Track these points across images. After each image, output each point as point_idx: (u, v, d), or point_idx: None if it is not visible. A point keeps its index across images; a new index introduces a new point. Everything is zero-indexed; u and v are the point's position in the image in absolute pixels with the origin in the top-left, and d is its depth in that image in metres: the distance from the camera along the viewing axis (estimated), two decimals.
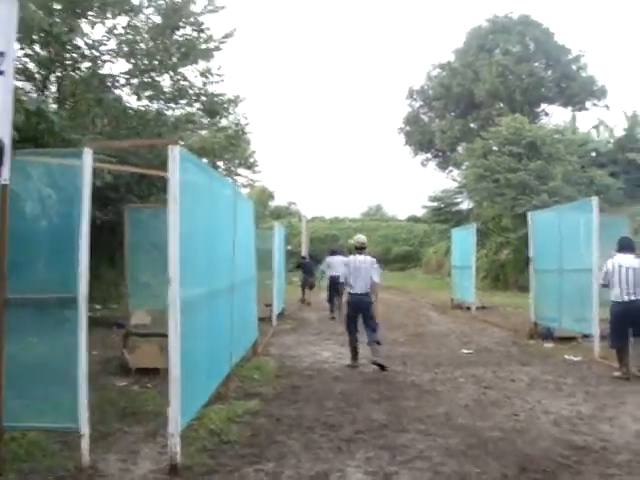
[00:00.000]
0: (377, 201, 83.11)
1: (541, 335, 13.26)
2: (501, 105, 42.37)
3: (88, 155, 5.47)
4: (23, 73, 15.57)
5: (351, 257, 10.70)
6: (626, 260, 9.30)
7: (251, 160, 49.26)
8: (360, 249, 10.60)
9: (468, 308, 19.41)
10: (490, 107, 42.72)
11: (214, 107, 19.12)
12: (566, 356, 11.12)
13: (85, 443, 5.44)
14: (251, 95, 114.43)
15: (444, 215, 38.37)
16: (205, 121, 19.34)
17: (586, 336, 11.84)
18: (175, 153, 5.35)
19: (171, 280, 5.30)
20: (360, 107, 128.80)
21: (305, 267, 23.01)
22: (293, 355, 11.73)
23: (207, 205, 6.66)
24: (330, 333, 14.86)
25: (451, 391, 8.50)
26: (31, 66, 16.02)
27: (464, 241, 20.50)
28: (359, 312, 10.38)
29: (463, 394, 8.27)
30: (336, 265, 17.35)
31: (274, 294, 16.31)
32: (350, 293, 10.41)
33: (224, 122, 19.68)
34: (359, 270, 10.29)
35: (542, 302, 13.49)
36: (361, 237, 10.96)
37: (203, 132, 19.12)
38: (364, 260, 10.41)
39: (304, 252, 39.46)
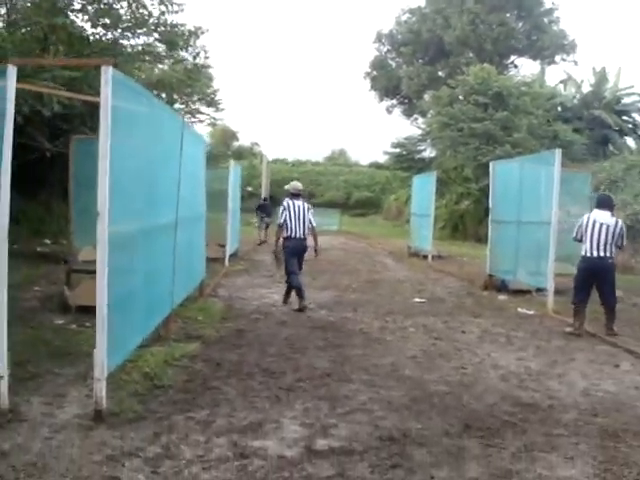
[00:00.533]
0: (341, 146, 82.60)
1: (495, 287, 13.13)
2: (470, 55, 41.72)
3: (12, 73, 4.92)
4: None
5: (289, 202, 10.60)
6: (602, 217, 9.04)
7: (213, 97, 48.54)
8: (296, 195, 10.67)
9: (425, 257, 19.28)
10: (459, 56, 42.07)
11: (173, 38, 18.29)
12: (519, 309, 10.99)
13: (4, 385, 5.03)
14: (215, 29, 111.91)
15: (406, 162, 38.09)
16: (163, 53, 18.52)
17: (540, 290, 11.76)
18: (108, 75, 4.82)
19: (99, 214, 4.85)
20: (327, 49, 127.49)
21: (264, 208, 24.22)
22: (242, 297, 11.42)
23: (146, 135, 6.14)
24: (281, 276, 14.48)
25: (400, 341, 8.26)
26: None
27: (424, 189, 20.25)
28: (298, 255, 10.62)
29: (412, 344, 8.05)
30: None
31: (227, 234, 15.90)
32: (290, 237, 10.49)
33: (184, 55, 18.85)
34: (298, 215, 10.45)
35: (498, 254, 13.31)
36: (297, 184, 11.02)
37: (160, 66, 18.34)
38: (302, 205, 10.55)
39: (264, 194, 39.20)
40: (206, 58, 17.84)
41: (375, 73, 51.20)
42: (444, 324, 9.45)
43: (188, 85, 18.00)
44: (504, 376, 6.65)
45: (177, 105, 21.27)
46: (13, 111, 4.91)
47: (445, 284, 14.23)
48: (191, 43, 18.92)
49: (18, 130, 5.30)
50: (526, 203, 12.25)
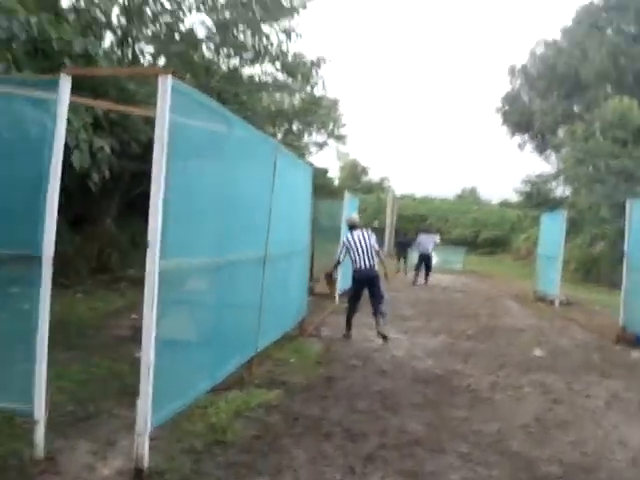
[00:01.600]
0: (472, 183, 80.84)
1: (630, 342, 11.57)
2: (609, 89, 39.22)
3: (66, 85, 4.44)
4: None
5: (348, 235, 10.67)
6: None
7: (340, 131, 48.69)
8: (353, 227, 10.73)
9: (551, 302, 17.71)
10: (597, 89, 39.69)
11: (293, 68, 18.06)
12: None
13: (39, 431, 4.48)
14: (350, 68, 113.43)
15: (537, 200, 36.07)
16: (284, 81, 18.31)
17: None
18: (166, 86, 4.24)
19: (150, 245, 4.23)
20: (459, 83, 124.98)
21: (402, 244, 27.46)
22: (338, 338, 10.61)
23: (222, 158, 5.52)
24: (394, 316, 13.63)
25: (511, 402, 7.14)
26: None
27: (553, 229, 18.69)
28: (365, 286, 10.57)
29: (525, 408, 6.91)
30: (424, 242, 22.64)
31: (338, 270, 15.10)
32: (356, 270, 10.47)
33: (303, 85, 18.57)
34: (359, 246, 10.38)
35: (634, 304, 11.76)
36: (353, 216, 11.33)
37: (279, 95, 18.14)
38: (360, 234, 10.51)
39: (388, 226, 38.52)
40: (323, 89, 17.40)
41: (507, 108, 49.32)
42: (565, 384, 8.17)
43: (306, 114, 17.61)
44: (635, 460, 5.41)
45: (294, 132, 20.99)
46: (64, 131, 4.40)
47: (571, 335, 12.76)
48: (313, 74, 18.59)
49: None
50: None
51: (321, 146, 48.99)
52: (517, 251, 46.84)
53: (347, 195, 15.60)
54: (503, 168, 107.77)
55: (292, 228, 8.77)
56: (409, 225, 48.62)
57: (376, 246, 10.55)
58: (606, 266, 28.79)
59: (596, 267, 29.62)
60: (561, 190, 36.34)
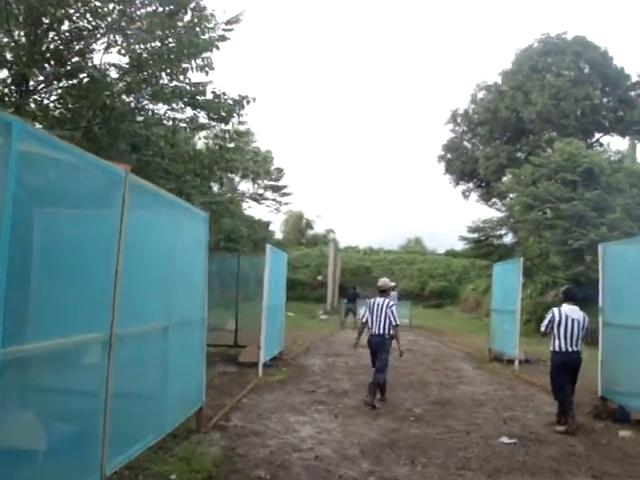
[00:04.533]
0: (417, 233, 79.97)
1: (612, 416, 9.47)
2: (553, 133, 38.24)
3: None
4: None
5: (371, 300, 11.25)
6: (572, 311, 9.30)
7: (278, 182, 46.91)
8: (383, 292, 11.29)
9: (509, 361, 15.63)
10: (540, 133, 38.74)
11: (218, 108, 15.86)
12: None
13: None
14: (284, 115, 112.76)
15: (485, 248, 34.48)
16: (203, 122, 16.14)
17: None
18: None
19: None
20: (402, 131, 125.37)
21: (351, 297, 27.99)
22: (258, 431, 8.20)
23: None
24: (328, 392, 11.47)
25: None
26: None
27: (507, 279, 16.66)
28: (375, 350, 10.93)
29: None
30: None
31: (262, 335, 12.87)
32: (370, 334, 10.95)
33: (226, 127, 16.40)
34: (378, 312, 10.85)
35: (615, 370, 9.68)
36: (383, 280, 11.73)
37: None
38: (383, 303, 10.94)
39: (330, 281, 37.01)
40: (240, 123, 15.22)
41: (450, 155, 48.15)
42: None
43: (224, 158, 15.42)
44: None
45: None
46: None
47: (540, 407, 10.58)
48: (236, 112, 16.41)
49: None
50: None
51: (257, 199, 47.47)
52: (465, 302, 45.60)
53: (269, 248, 13.35)
54: (448, 217, 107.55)
55: (170, 295, 6.38)
56: (354, 278, 46.93)
57: (394, 320, 10.87)
58: None
59: None
60: (509, 238, 34.92)
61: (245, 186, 46.12)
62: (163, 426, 6.35)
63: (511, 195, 35.32)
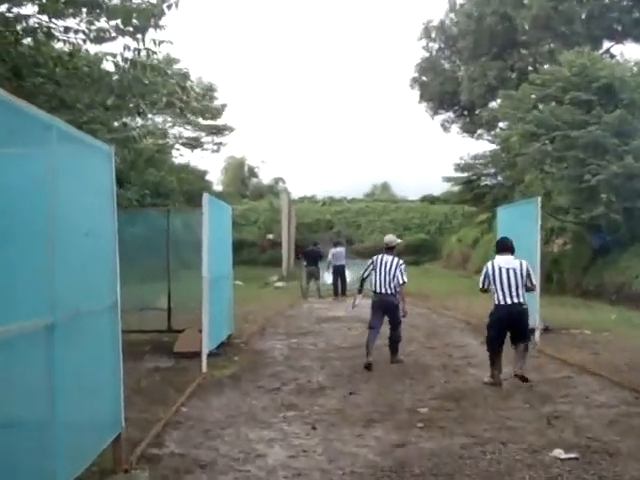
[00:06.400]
0: (384, 178, 79.18)
1: None
2: (552, 45, 36.82)
3: None
4: None
5: (377, 256, 12.27)
6: (505, 261, 10.28)
7: (213, 116, 45.15)
8: (389, 249, 12.33)
9: None
10: (537, 44, 37.32)
11: (128, 15, 14.21)
12: None
13: None
14: (220, 39, 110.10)
15: (477, 190, 33.43)
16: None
17: None
18: None
19: None
20: (363, 53, 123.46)
21: (310, 255, 26.74)
22: (205, 460, 6.79)
23: None
24: (297, 389, 10.25)
25: None
26: None
27: (519, 225, 15.30)
28: (383, 312, 12.13)
29: None
30: (339, 256, 25.77)
31: (204, 316, 11.45)
32: (375, 292, 12.06)
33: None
34: (384, 270, 11.91)
35: None
36: (389, 236, 12.92)
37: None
38: (392, 261, 12.00)
39: (284, 240, 39.45)
40: (161, 42, 13.65)
41: (425, 78, 46.81)
42: None
43: (143, 82, 13.90)
44: None
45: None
46: None
47: (588, 396, 9.34)
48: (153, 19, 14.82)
49: None
50: None
51: (193, 144, 46.03)
52: (449, 258, 45.17)
53: (207, 198, 11.86)
54: (420, 161, 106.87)
55: (53, 274, 4.78)
56: (313, 235, 45.90)
57: (402, 278, 11.93)
58: (572, 269, 26.38)
59: (558, 271, 27.11)
60: (501, 178, 33.97)
61: (178, 131, 44.73)
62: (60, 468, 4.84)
63: (502, 125, 34.27)
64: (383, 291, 11.90)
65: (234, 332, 14.85)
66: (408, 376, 11.09)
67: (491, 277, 10.23)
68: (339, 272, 25.71)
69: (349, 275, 26.33)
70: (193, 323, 12.79)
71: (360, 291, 13.09)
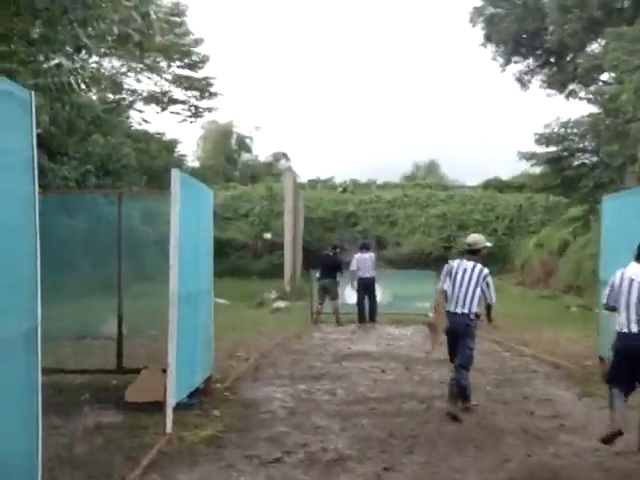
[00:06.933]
0: (430, 155, 79.81)
1: None
2: None
3: None
4: None
5: (455, 262, 12.92)
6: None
7: (190, 64, 45.70)
8: (471, 252, 12.96)
9: None
10: None
11: None
12: None
13: None
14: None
15: (570, 171, 33.39)
16: None
17: None
18: None
19: None
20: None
21: (325, 265, 27.16)
22: None
23: None
24: (307, 462, 10.06)
25: None
26: None
27: (636, 225, 15.15)
28: (457, 336, 12.68)
29: None
30: (367, 266, 26.18)
31: (171, 348, 11.28)
32: (448, 311, 12.63)
33: None
34: (463, 281, 12.45)
35: None
36: (475, 236, 13.59)
37: None
38: (473, 269, 12.51)
39: (288, 241, 39.02)
40: None
41: (493, 9, 47.17)
42: None
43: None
44: None
45: None
46: None
47: None
48: None
49: None
50: None
51: (161, 100, 46.77)
52: (524, 270, 45.37)
53: (177, 176, 11.59)
54: (483, 126, 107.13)
55: None
56: (329, 236, 46.09)
57: (490, 295, 12.67)
58: None
59: None
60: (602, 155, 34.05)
61: (138, 83, 45.35)
62: None
63: (607, 77, 34.15)
64: (458, 310, 12.48)
65: (215, 374, 14.77)
66: (471, 443, 11.00)
67: (616, 291, 10.39)
68: (366, 288, 25.91)
69: (380, 293, 26.88)
70: (154, 360, 13.06)
71: (439, 312, 13.34)
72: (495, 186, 57.07)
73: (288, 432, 11.55)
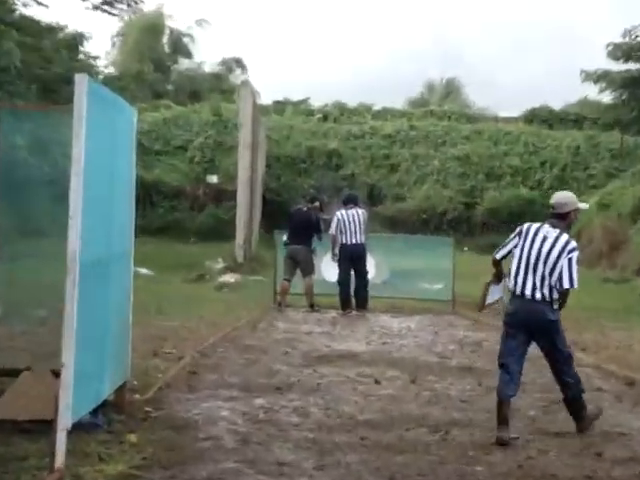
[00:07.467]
0: (448, 72, 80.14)
1: None
2: None
3: None
4: None
5: (533, 226, 12.95)
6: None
7: None
8: (557, 217, 12.90)
9: None
10: None
11: None
12: None
13: None
14: None
15: None
16: None
17: None
18: None
19: None
20: None
21: (296, 224, 27.75)
22: None
23: None
24: None
25: None
26: None
27: None
28: (529, 334, 12.93)
29: None
30: (353, 227, 26.28)
31: (66, 336, 10.93)
32: (513, 295, 12.90)
33: None
34: (541, 254, 12.54)
35: None
36: (562, 194, 13.48)
37: None
38: (556, 239, 12.50)
39: (242, 188, 37.27)
40: None
41: None
42: None
43: None
44: None
45: None
46: None
47: None
48: None
49: None
50: None
51: None
52: (581, 240, 44.89)
53: (85, 86, 11.27)
54: (521, 33, 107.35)
55: None
56: (303, 183, 45.99)
57: (566, 276, 12.51)
58: None
59: None
60: None
61: None
62: None
63: None
64: (528, 293, 12.57)
65: (132, 379, 14.61)
66: None
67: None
68: (353, 259, 26.28)
69: (373, 267, 27.06)
70: (41, 356, 13.32)
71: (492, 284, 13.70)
72: (542, 119, 56.99)
73: (238, 471, 11.23)
